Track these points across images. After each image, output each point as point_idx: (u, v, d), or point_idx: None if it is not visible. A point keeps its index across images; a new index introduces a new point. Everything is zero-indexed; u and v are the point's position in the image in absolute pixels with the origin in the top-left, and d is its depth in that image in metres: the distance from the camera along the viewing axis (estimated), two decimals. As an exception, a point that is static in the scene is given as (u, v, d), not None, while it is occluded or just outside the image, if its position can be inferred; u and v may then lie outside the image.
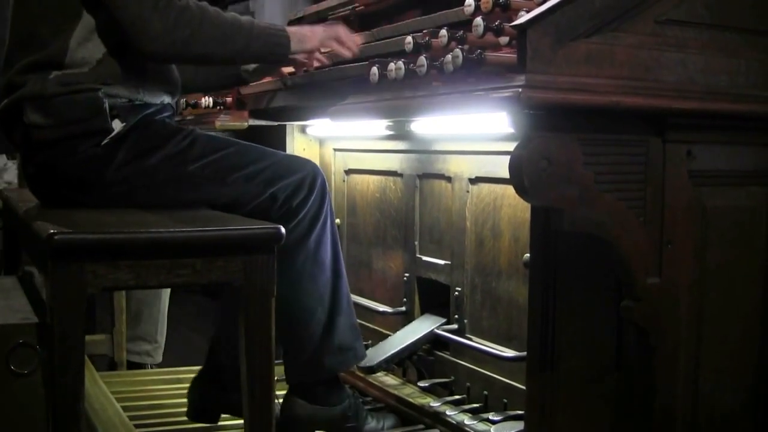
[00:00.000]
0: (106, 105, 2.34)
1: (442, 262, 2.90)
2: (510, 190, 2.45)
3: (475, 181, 2.73)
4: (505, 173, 1.76)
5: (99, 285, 1.86)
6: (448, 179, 2.85)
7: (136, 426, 2.69)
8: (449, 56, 1.85)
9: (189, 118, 3.50)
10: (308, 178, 2.51)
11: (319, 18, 3.38)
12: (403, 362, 2.98)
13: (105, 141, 2.35)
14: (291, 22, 3.64)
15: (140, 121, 2.41)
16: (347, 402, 2.66)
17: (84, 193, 2.38)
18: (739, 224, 2.01)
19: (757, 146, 2.02)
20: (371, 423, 2.71)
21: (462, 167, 2.78)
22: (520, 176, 1.70)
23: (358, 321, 3.27)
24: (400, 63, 2.02)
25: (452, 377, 2.82)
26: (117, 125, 2.37)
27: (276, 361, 2.06)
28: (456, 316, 2.82)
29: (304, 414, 2.61)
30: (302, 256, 2.51)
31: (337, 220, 3.41)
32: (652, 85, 1.81)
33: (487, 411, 2.62)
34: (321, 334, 2.56)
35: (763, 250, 2.05)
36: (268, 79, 2.97)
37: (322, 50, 2.57)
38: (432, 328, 2.88)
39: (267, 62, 2.74)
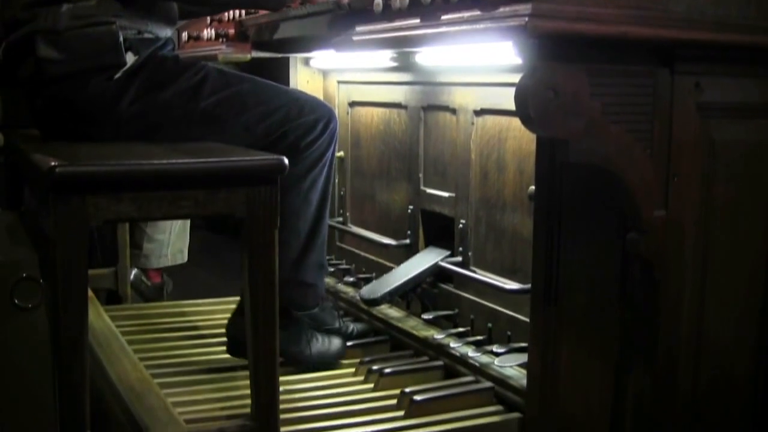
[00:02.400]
0: (121, 39, 2.33)
1: (446, 194, 2.89)
2: (515, 122, 2.43)
3: (480, 113, 2.71)
4: (511, 105, 1.74)
5: (101, 217, 1.85)
6: (453, 111, 2.83)
7: (141, 359, 2.69)
8: (454, -15, 1.82)
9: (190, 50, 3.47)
10: (322, 121, 2.53)
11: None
12: (407, 295, 2.98)
13: (118, 75, 2.34)
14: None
15: (152, 55, 2.41)
16: (291, 329, 2.68)
17: (95, 127, 2.38)
18: (746, 158, 2.00)
19: (766, 79, 1.99)
20: (316, 345, 2.73)
21: (467, 99, 2.76)
22: (526, 106, 1.68)
23: (363, 254, 3.29)
24: (405, -8, 2.00)
25: (456, 310, 2.82)
26: (129, 58, 2.36)
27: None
28: (460, 249, 2.82)
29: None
30: (294, 193, 2.54)
31: (341, 153, 3.41)
32: (661, 15, 1.78)
33: (491, 343, 2.63)
34: (289, 267, 2.60)
35: (769, 182, 2.04)
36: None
37: None
38: (436, 260, 2.88)
39: (265, 8, 2.74)
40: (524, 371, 2.37)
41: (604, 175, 1.84)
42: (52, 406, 1.87)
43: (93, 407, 1.87)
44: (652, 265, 1.87)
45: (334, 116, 2.60)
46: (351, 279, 3.35)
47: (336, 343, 2.81)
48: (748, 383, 2.07)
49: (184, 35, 3.59)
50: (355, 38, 2.26)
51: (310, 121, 2.52)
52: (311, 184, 2.58)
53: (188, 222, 3.89)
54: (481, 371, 2.54)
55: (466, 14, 1.81)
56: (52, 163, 1.81)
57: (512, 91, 1.72)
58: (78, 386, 1.83)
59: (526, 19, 1.62)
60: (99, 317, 3.10)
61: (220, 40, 3.30)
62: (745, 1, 1.90)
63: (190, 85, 2.42)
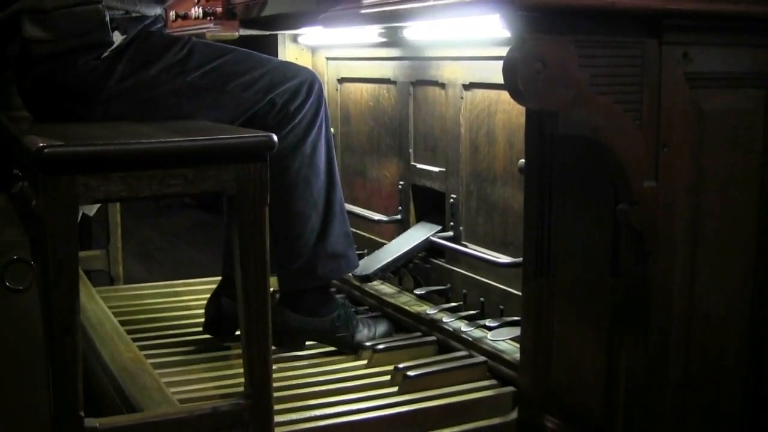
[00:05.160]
0: (107, 18, 2.32)
1: (436, 169, 2.89)
2: (504, 95, 2.42)
3: (469, 87, 2.70)
4: (499, 78, 1.74)
5: (91, 197, 1.85)
6: (442, 86, 2.83)
7: (134, 340, 2.69)
8: (441, -43, 1.82)
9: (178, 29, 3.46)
10: (306, 84, 2.53)
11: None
12: (399, 270, 2.99)
13: (105, 54, 2.34)
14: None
15: (139, 33, 2.40)
16: (336, 312, 2.68)
17: (83, 107, 2.37)
18: (735, 127, 1.99)
19: (755, 48, 1.99)
20: (363, 331, 2.73)
21: (456, 73, 2.75)
22: (515, 79, 1.68)
23: (354, 230, 3.28)
24: (391, -34, 1.99)
25: (448, 284, 2.83)
26: (117, 38, 2.36)
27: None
28: (451, 224, 2.82)
29: (293, 325, 2.64)
30: (298, 160, 2.53)
31: (332, 129, 3.40)
32: (648, -15, 1.77)
33: (484, 317, 2.63)
34: (314, 241, 2.59)
35: (759, 152, 2.03)
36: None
37: None
38: (427, 235, 2.88)
39: None
40: (517, 345, 2.38)
41: (593, 147, 1.83)
42: (45, 387, 1.87)
43: (86, 388, 1.87)
44: (642, 237, 1.87)
45: (317, 78, 2.59)
46: (343, 256, 3.34)
47: (381, 328, 2.81)
48: (741, 354, 2.07)
49: (172, 14, 3.57)
50: (342, 14, 2.25)
51: (294, 85, 2.52)
52: (312, 150, 2.57)
53: None
54: (474, 346, 2.54)
55: (453, -13, 1.81)
56: (41, 144, 1.80)
57: (500, 64, 1.71)
58: (71, 367, 1.83)
59: (514, -10, 1.61)
60: (91, 298, 3.10)
61: (208, 18, 3.29)
62: (733, -30, 1.89)
63: (177, 60, 2.42)
